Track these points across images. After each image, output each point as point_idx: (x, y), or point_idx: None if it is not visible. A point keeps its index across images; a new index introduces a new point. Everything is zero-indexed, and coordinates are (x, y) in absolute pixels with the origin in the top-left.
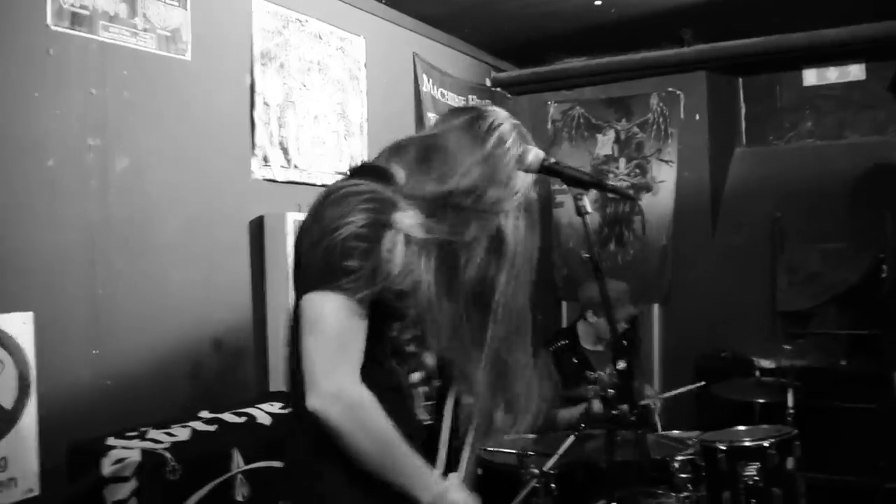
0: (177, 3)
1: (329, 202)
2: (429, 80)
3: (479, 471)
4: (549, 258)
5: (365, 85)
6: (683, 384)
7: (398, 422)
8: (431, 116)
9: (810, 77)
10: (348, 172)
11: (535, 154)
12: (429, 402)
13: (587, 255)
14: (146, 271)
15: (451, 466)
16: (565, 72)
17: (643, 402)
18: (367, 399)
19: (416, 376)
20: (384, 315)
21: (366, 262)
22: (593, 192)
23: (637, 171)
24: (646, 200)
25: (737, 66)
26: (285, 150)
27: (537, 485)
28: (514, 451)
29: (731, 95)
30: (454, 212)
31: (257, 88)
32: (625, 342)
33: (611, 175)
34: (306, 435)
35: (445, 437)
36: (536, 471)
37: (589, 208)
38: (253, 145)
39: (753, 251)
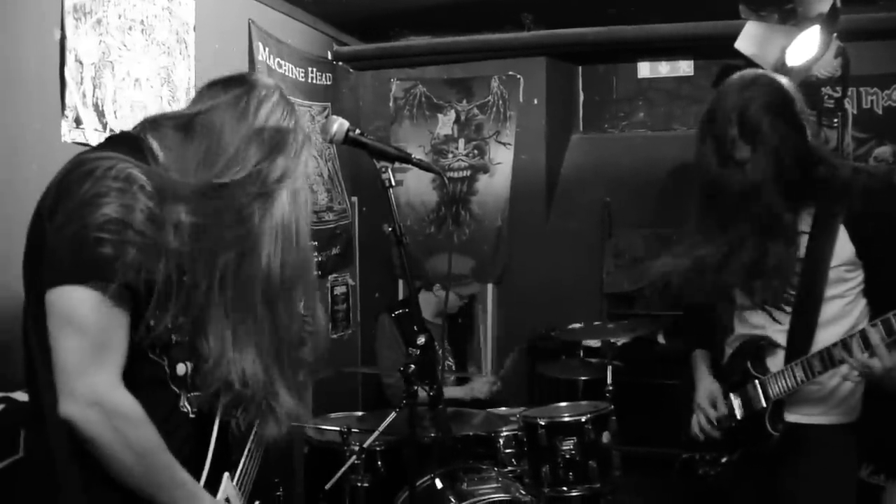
0: None
1: (76, 178)
2: (265, 49)
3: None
4: (385, 236)
5: (193, 50)
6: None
7: (160, 415)
8: None
9: (644, 70)
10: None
11: (339, 124)
12: (196, 394)
13: (389, 229)
14: None
15: (223, 463)
16: (409, 49)
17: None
18: (129, 407)
19: (181, 368)
20: (144, 303)
21: (122, 250)
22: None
23: (476, 152)
24: (482, 182)
25: (576, 54)
26: (101, 113)
27: (357, 462)
28: (337, 429)
29: (569, 82)
30: (227, 199)
31: (68, 45)
32: (460, 320)
33: (450, 155)
34: (49, 442)
35: (215, 431)
36: (357, 447)
37: (393, 181)
38: (63, 106)
39: (584, 234)
